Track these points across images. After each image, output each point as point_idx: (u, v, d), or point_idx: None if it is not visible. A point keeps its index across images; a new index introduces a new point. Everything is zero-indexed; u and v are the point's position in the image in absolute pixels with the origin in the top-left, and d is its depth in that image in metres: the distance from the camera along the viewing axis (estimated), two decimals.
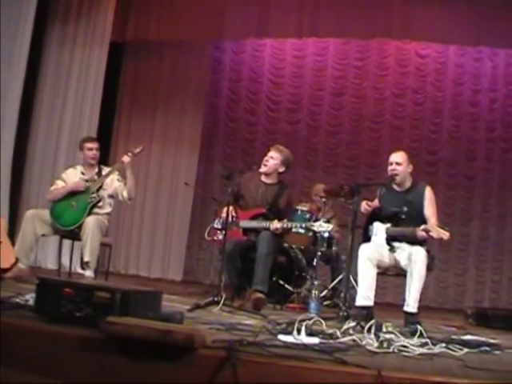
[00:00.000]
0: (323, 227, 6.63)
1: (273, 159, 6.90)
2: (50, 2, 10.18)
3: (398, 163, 6.09)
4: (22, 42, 8.97)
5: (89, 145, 7.05)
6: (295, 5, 10.13)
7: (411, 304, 5.64)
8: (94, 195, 6.85)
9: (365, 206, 6.17)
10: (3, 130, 8.87)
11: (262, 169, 6.91)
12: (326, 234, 7.66)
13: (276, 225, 6.56)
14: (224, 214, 6.55)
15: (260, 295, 6.27)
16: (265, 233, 6.57)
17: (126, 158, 7.00)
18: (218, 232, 6.92)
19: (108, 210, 7.06)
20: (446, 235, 5.61)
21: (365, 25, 9.93)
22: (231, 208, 6.49)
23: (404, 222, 5.99)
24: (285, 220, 6.68)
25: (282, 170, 6.98)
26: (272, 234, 6.59)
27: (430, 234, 5.69)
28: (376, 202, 6.34)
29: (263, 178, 6.98)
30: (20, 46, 8.94)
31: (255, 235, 6.74)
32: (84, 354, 3.23)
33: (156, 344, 3.12)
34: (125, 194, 7.04)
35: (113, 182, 7.05)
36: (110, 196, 7.06)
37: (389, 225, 6.03)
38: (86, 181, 6.97)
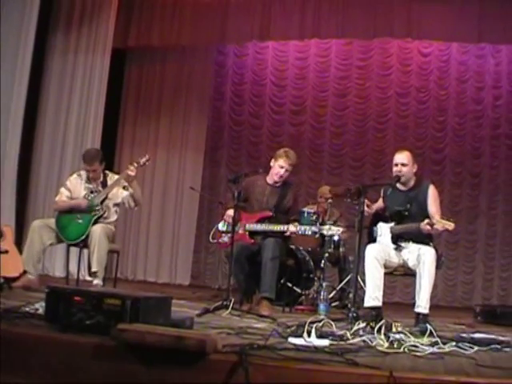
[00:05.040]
0: (333, 231, 6.63)
1: (286, 171, 6.81)
2: (52, 11, 10.20)
3: (403, 164, 6.06)
4: (25, 52, 8.94)
5: (87, 167, 6.92)
6: (296, 7, 10.14)
7: (422, 305, 5.63)
8: (98, 208, 6.80)
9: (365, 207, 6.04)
10: (8, 140, 8.87)
11: (277, 180, 6.84)
12: (336, 237, 7.74)
13: (292, 229, 6.51)
14: (228, 218, 6.59)
15: (268, 304, 6.28)
16: (269, 240, 6.53)
17: (131, 170, 6.81)
18: (223, 235, 6.91)
19: (114, 218, 7.03)
20: (450, 226, 5.60)
21: (366, 24, 9.94)
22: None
23: (408, 220, 5.97)
24: (296, 224, 6.59)
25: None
26: (277, 239, 6.55)
27: (435, 227, 5.68)
28: (379, 203, 6.34)
29: (268, 180, 6.95)
30: (23, 56, 8.92)
31: (262, 238, 6.69)
32: (97, 361, 3.24)
33: (168, 350, 3.13)
34: (131, 203, 7.02)
35: (119, 192, 7.01)
36: (116, 204, 7.03)
37: (392, 224, 6.03)
38: (91, 192, 6.93)
